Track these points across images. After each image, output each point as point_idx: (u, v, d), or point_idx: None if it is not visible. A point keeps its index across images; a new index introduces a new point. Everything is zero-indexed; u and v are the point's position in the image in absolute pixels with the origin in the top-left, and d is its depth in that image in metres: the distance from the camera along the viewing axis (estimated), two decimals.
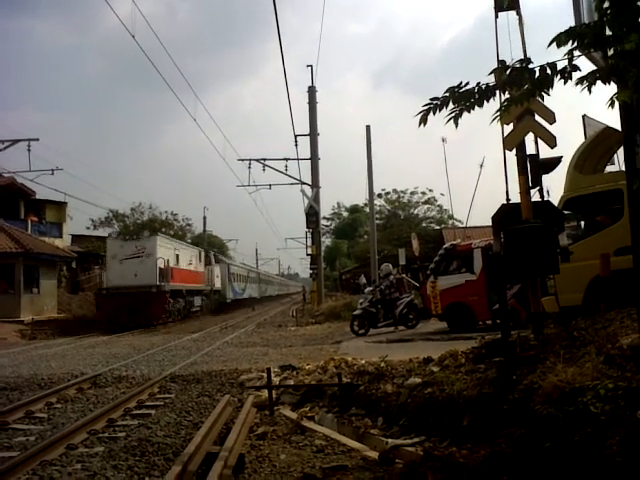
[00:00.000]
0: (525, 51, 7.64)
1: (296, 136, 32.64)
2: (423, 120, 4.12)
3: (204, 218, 63.95)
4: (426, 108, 4.08)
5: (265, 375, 8.23)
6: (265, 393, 8.05)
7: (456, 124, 4.10)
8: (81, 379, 10.81)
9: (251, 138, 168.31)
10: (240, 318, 33.41)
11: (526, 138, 7.71)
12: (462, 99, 4.01)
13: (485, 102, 4.04)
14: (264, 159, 33.44)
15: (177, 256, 31.31)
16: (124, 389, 10.06)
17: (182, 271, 32.05)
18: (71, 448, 6.37)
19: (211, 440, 5.96)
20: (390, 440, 5.76)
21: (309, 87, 33.74)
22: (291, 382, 8.69)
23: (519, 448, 4.12)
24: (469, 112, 4.05)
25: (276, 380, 8.67)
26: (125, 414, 8.08)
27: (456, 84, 4.03)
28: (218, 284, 42.14)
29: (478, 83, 4.00)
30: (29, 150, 27.63)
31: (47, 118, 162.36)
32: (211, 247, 57.28)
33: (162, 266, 27.71)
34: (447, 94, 4.02)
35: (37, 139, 28.25)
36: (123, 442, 6.49)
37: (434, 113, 4.07)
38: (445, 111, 4.08)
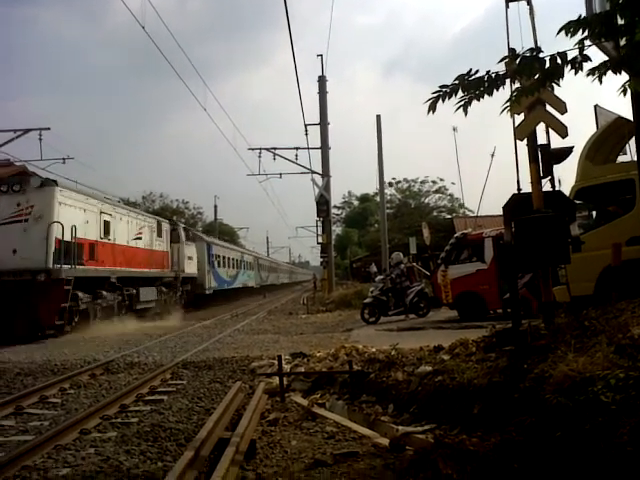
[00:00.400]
0: (536, 41, 7.61)
1: (306, 125, 32.61)
2: (432, 107, 4.12)
3: (215, 206, 64.15)
4: (435, 96, 4.08)
5: (276, 362, 8.28)
6: (276, 380, 8.10)
7: (465, 112, 4.10)
8: (94, 365, 10.91)
9: (261, 126, 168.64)
10: (252, 306, 33.50)
11: (537, 128, 7.68)
12: (471, 87, 4.00)
13: (495, 91, 4.02)
14: (274, 148, 33.48)
15: (106, 224, 20.38)
16: (136, 375, 10.15)
17: (116, 248, 21.17)
18: (84, 433, 6.46)
19: (223, 426, 6.01)
20: (401, 427, 5.79)
21: (319, 77, 33.61)
22: (302, 369, 8.73)
23: (529, 437, 4.14)
24: (478, 100, 4.05)
25: (287, 367, 8.71)
26: (137, 400, 8.18)
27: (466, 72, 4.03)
28: (192, 269, 30.83)
29: (488, 71, 3.99)
30: (40, 139, 27.46)
31: (52, 108, 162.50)
32: (222, 235, 57.29)
33: (61, 237, 16.79)
34: (457, 82, 4.02)
35: (48, 128, 27.97)
36: (136, 427, 6.56)
37: (443, 101, 4.07)
38: (455, 99, 4.08)
